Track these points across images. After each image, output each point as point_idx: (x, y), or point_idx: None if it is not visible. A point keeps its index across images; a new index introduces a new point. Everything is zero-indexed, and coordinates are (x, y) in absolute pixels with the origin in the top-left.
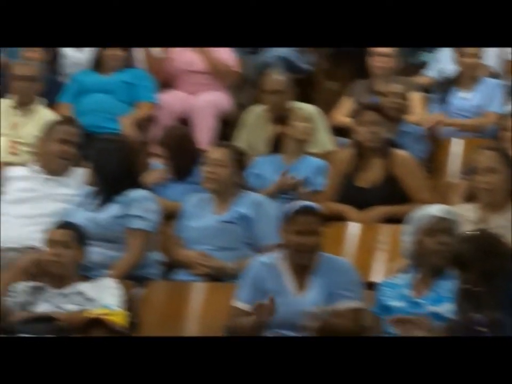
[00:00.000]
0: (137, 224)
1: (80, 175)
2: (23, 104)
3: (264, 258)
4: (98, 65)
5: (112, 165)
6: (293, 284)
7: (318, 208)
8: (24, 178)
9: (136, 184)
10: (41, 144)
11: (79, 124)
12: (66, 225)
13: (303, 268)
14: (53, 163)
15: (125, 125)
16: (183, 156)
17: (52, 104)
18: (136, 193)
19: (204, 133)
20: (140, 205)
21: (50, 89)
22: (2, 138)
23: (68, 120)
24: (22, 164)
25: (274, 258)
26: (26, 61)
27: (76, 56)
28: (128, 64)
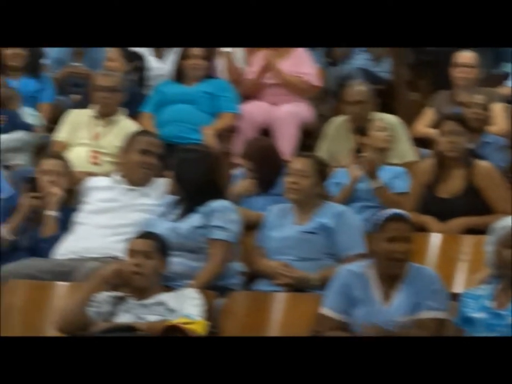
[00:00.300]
0: (219, 234)
1: (161, 185)
2: (105, 115)
3: (352, 266)
4: (180, 76)
5: (194, 175)
6: (380, 293)
7: (407, 216)
8: (106, 188)
9: (218, 195)
10: (123, 154)
11: (159, 135)
12: (147, 235)
13: (391, 277)
14: (134, 173)
15: (207, 135)
16: (267, 167)
17: (134, 115)
18: (218, 204)
19: (285, 144)
20: (222, 216)
21: (132, 99)
22: (84, 148)
23: (149, 131)
24: (103, 174)
25: (362, 267)
26: (109, 71)
27: (158, 67)
28: (210, 74)
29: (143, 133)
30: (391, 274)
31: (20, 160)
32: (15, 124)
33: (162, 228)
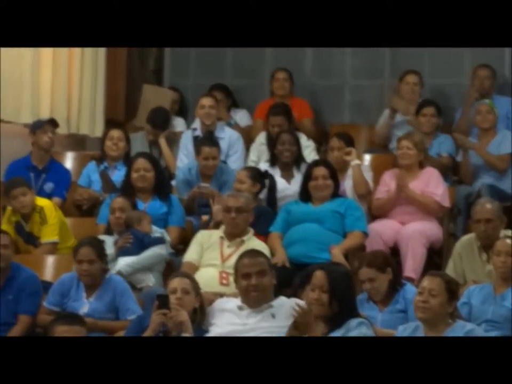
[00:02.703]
0: None
1: (287, 305)
2: (234, 235)
3: None
4: (307, 196)
5: (345, 291)
6: None
7: None
8: (233, 311)
9: (353, 314)
10: (234, 279)
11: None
12: None
13: None
14: (246, 297)
15: (335, 254)
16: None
17: (263, 234)
18: (355, 320)
19: (414, 262)
20: (359, 331)
21: (260, 219)
22: (213, 269)
23: (254, 251)
24: (232, 295)
25: None
26: (237, 192)
27: (285, 187)
28: (337, 193)
29: (244, 256)
30: None
31: (149, 281)
32: (144, 245)
33: None
